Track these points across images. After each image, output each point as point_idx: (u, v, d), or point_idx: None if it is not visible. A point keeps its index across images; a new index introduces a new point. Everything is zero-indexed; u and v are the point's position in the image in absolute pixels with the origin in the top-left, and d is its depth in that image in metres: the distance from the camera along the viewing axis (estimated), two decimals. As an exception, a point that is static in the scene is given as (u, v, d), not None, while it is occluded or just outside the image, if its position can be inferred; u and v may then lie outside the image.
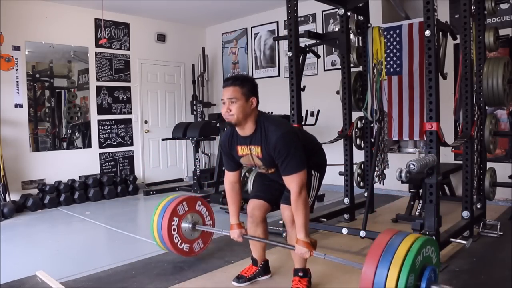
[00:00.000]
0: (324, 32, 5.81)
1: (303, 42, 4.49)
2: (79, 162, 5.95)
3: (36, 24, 5.55)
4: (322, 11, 5.90)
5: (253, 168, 2.44)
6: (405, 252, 1.60)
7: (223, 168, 2.51)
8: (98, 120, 6.21)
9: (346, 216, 4.00)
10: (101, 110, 6.24)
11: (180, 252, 2.62)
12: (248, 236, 2.50)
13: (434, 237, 2.67)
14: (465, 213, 3.31)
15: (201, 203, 2.70)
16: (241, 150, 2.31)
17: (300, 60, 4.05)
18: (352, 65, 4.00)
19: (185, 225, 2.59)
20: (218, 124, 5.65)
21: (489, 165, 3.76)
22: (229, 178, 2.46)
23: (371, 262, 1.62)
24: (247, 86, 2.19)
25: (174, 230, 2.57)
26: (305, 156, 2.22)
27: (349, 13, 3.87)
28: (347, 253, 3.13)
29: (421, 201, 3.90)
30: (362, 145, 4.14)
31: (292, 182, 2.14)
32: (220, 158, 5.48)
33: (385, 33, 3.77)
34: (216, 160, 5.70)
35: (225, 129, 5.39)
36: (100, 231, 4.29)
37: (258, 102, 2.24)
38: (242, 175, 2.65)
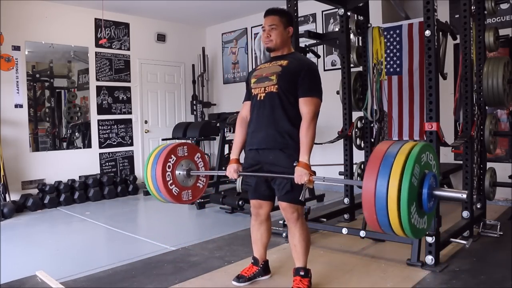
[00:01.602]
0: (324, 32, 5.81)
1: (303, 42, 4.49)
2: (79, 162, 5.95)
3: (36, 24, 5.54)
4: (322, 11, 5.90)
5: (253, 93, 2.40)
6: (405, 158, 1.55)
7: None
8: (98, 120, 6.21)
9: (346, 216, 4.00)
10: (101, 110, 6.24)
11: (168, 193, 2.47)
12: (243, 172, 2.44)
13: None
14: (465, 213, 3.31)
15: (200, 155, 2.65)
16: (262, 65, 2.47)
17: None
18: (352, 65, 4.00)
19: (179, 171, 2.53)
20: (218, 124, 5.65)
21: (489, 165, 3.76)
22: (243, 111, 2.53)
23: (371, 172, 1.55)
24: (285, 17, 2.41)
25: (169, 167, 2.50)
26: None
27: (349, 13, 3.87)
28: (347, 253, 3.13)
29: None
30: (362, 145, 4.14)
31: (306, 105, 2.26)
32: (220, 158, 5.49)
33: (385, 33, 3.77)
34: (216, 160, 5.69)
35: (225, 129, 5.45)
36: (100, 231, 4.28)
37: (294, 32, 2.51)
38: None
